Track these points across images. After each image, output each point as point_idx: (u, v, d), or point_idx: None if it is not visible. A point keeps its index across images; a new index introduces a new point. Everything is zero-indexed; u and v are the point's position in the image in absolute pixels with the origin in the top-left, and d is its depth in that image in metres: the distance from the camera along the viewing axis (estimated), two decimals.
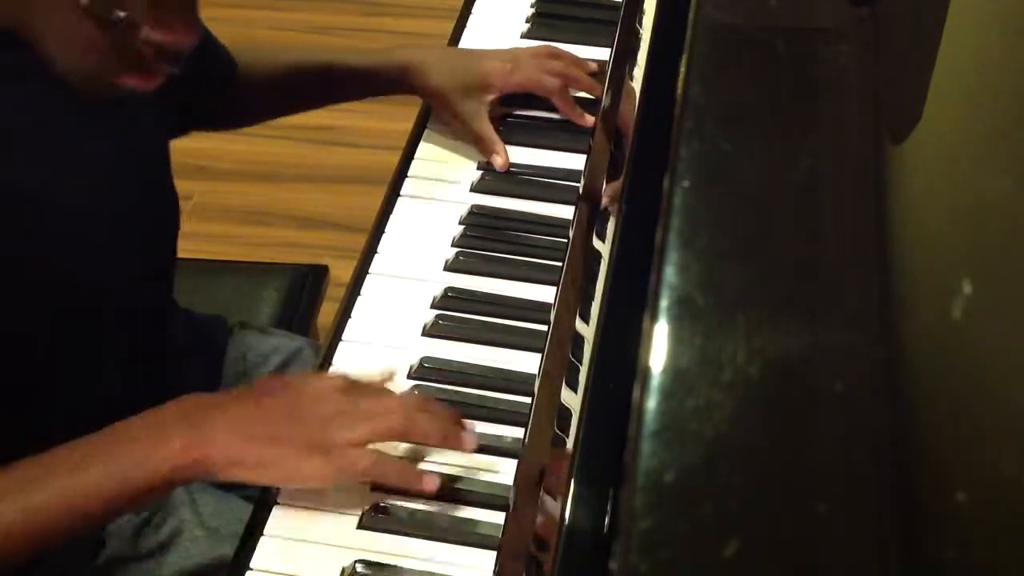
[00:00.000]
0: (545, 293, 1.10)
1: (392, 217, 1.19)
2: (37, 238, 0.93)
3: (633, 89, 1.05)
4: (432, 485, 0.92)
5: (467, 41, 1.42)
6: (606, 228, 0.97)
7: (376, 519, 0.93)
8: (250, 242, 2.30)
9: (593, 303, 0.91)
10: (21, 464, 0.87)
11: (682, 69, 0.90)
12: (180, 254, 1.16)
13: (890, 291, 0.76)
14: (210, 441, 0.88)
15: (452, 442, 0.94)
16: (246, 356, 1.29)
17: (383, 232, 1.18)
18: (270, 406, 0.91)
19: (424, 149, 1.27)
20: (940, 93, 0.90)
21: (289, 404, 0.92)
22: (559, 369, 0.89)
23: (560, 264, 1.08)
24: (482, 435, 0.99)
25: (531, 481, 0.86)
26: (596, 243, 0.97)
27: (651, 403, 0.67)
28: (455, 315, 1.09)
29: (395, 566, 0.91)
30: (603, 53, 1.34)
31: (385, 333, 1.08)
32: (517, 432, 0.98)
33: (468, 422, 0.96)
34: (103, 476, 0.87)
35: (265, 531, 0.93)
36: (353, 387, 0.94)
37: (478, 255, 1.15)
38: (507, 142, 1.26)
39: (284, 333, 1.36)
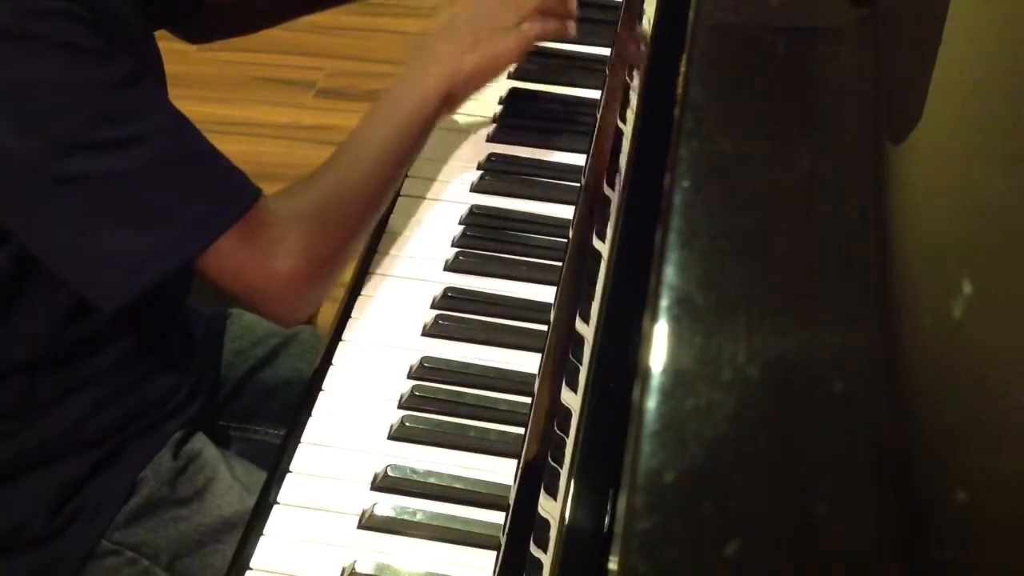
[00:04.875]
0: (545, 293, 1.10)
1: (392, 217, 1.19)
2: None
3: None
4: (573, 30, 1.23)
5: None
6: (606, 228, 0.97)
7: (376, 519, 0.93)
8: None
9: (593, 303, 0.91)
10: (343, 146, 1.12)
11: (682, 69, 0.90)
12: None
13: (890, 291, 0.76)
14: (449, 67, 1.13)
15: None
16: (243, 336, 1.33)
17: (383, 231, 1.18)
18: (463, 26, 1.16)
19: (424, 149, 1.27)
20: (940, 93, 0.90)
21: (472, 16, 1.17)
22: (559, 369, 0.89)
23: (560, 264, 1.08)
24: (482, 435, 0.99)
25: (531, 481, 0.86)
26: (596, 243, 0.97)
27: (651, 403, 0.67)
28: (455, 315, 1.09)
29: (395, 566, 0.91)
30: (603, 53, 1.34)
31: (385, 333, 1.08)
32: (517, 432, 0.98)
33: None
34: (404, 116, 1.13)
35: (265, 531, 0.93)
36: None
37: (478, 255, 1.15)
38: (507, 142, 1.26)
39: None
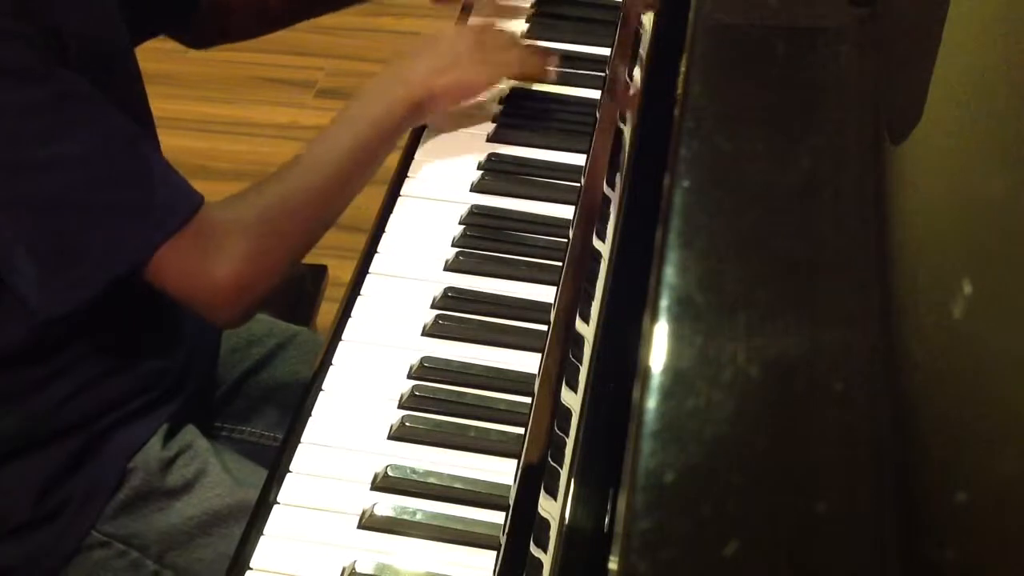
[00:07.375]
0: (545, 293, 1.10)
1: (392, 217, 1.19)
2: None
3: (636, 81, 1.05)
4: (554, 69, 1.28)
5: None
6: (606, 228, 0.97)
7: (376, 519, 0.93)
8: None
9: (593, 303, 0.91)
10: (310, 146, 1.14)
11: (682, 69, 0.90)
12: None
13: (890, 291, 0.76)
14: (420, 83, 1.17)
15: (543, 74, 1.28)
16: (240, 333, 1.32)
17: (383, 232, 1.17)
18: (442, 50, 1.21)
19: (424, 149, 1.27)
20: (940, 93, 0.90)
21: (453, 44, 1.22)
22: (559, 369, 0.89)
23: (560, 264, 1.08)
24: (482, 435, 0.99)
25: (531, 481, 0.86)
26: (596, 243, 0.97)
27: (651, 403, 0.68)
28: (455, 315, 1.09)
29: (395, 566, 0.91)
30: (603, 53, 1.34)
31: (385, 333, 1.08)
32: (517, 432, 0.98)
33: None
34: (367, 124, 1.14)
35: (265, 531, 0.93)
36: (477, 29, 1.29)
37: (478, 255, 1.15)
38: (507, 142, 1.26)
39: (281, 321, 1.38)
